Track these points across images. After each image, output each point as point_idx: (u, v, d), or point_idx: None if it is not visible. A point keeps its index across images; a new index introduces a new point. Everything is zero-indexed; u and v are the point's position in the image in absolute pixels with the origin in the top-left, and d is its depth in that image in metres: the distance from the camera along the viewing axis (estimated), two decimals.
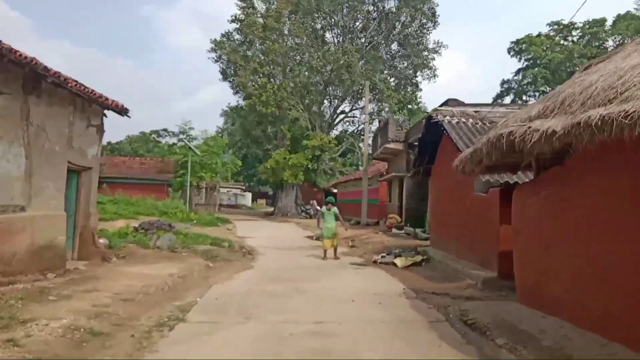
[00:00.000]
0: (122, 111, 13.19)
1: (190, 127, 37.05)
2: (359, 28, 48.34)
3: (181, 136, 36.45)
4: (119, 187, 34.55)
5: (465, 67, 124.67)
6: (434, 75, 47.37)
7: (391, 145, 23.33)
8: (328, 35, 48.60)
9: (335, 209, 16.28)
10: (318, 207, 42.46)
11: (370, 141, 31.38)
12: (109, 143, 78.83)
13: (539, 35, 65.90)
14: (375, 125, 48.95)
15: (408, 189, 22.98)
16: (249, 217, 43.15)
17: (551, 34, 67.12)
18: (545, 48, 63.27)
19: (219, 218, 31.83)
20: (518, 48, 66.71)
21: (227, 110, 79.01)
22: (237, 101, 51.09)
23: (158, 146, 74.21)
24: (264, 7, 45.75)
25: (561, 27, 64.08)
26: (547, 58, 57.71)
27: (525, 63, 63.41)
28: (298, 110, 41.75)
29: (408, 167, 23.13)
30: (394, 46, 49.41)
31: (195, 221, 29.05)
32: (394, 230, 22.83)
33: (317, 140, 41.86)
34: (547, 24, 75.91)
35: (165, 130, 79.87)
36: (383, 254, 15.18)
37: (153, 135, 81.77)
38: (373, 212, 29.94)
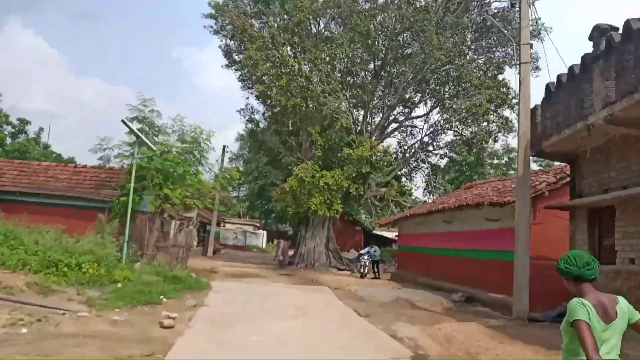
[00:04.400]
0: None
1: (153, 110, 19.54)
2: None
3: (136, 125, 19.12)
4: (26, 208, 17.70)
5: None
6: (536, 68, 29.72)
7: None
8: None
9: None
10: (366, 257, 24.58)
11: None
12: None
13: None
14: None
15: None
16: (254, 268, 25.40)
17: None
18: None
19: (177, 277, 14.38)
20: None
21: (242, 135, 63.07)
22: (247, 97, 34.01)
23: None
24: None
25: None
26: None
27: None
28: (338, 96, 24.36)
29: None
30: (469, 35, 32.08)
31: (120, 284, 11.79)
32: None
33: (365, 149, 24.36)
34: None
35: None
36: None
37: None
38: (495, 278, 12.53)
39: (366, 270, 23.29)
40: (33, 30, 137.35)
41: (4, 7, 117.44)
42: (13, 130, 45.77)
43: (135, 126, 18.28)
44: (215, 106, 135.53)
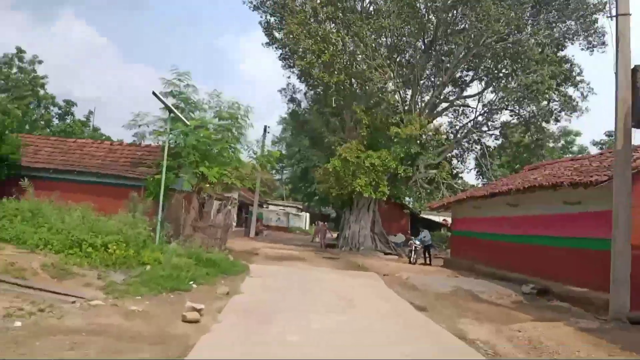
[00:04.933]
0: None
1: (189, 84, 18.17)
2: None
3: (171, 100, 17.88)
4: (59, 186, 16.77)
5: None
6: (602, 43, 26.64)
7: None
8: None
9: None
10: (417, 242, 22.61)
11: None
12: None
13: None
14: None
15: None
16: (296, 250, 23.93)
17: None
18: None
19: (211, 260, 12.83)
20: None
21: (285, 118, 61.45)
22: (289, 77, 32.19)
23: None
24: None
25: None
26: None
27: None
28: (385, 72, 22.31)
29: None
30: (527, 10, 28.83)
31: (148, 267, 10.30)
32: None
33: (414, 128, 22.32)
34: None
35: None
36: None
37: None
38: (575, 269, 10.53)
39: (416, 256, 21.37)
40: (84, 21, 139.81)
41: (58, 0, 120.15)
42: (60, 112, 45.82)
43: (169, 101, 16.94)
44: (259, 94, 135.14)
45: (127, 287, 9.22)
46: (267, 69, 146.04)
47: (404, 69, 26.87)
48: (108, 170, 18.66)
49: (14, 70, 42.50)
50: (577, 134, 47.89)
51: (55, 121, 45.94)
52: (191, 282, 10.17)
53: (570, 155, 39.63)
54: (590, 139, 65.38)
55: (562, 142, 47.57)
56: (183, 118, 15.74)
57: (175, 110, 15.09)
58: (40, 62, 43.93)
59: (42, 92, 44.34)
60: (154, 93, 14.55)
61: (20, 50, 42.64)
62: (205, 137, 17.29)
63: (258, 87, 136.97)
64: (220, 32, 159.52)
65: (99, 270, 10.36)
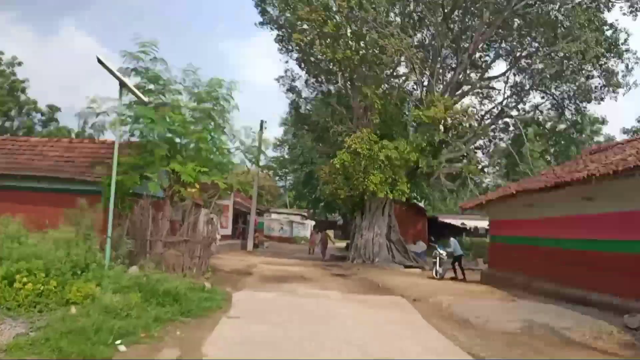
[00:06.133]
0: None
1: (156, 58, 14.11)
2: None
3: (134, 78, 13.92)
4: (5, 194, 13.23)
5: None
6: None
7: None
8: None
9: None
10: (443, 252, 18.27)
11: None
12: None
13: None
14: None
15: None
16: (300, 265, 19.90)
17: None
18: None
19: (170, 294, 8.62)
20: None
21: (285, 118, 56.81)
22: (287, 62, 28.03)
23: None
24: None
25: None
26: None
27: None
28: (400, 44, 18.28)
29: None
30: None
31: (73, 309, 6.50)
32: None
33: (439, 110, 18.26)
34: None
35: None
36: None
37: None
38: None
39: (442, 269, 17.13)
40: (85, 32, 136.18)
41: (59, 12, 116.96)
42: (43, 118, 42.13)
43: (131, 81, 12.96)
44: (263, 101, 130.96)
45: None
46: (270, 76, 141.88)
47: (420, 50, 22.98)
48: (60, 173, 14.69)
49: None
50: (604, 121, 43.57)
51: (38, 128, 42.34)
52: (118, 342, 6.09)
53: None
54: (617, 127, 60.53)
55: (587, 131, 43.24)
56: (139, 94, 11.70)
57: (127, 82, 11.06)
58: (19, 63, 40.37)
59: (23, 97, 40.76)
60: (98, 59, 10.51)
61: None
62: (179, 124, 13.35)
63: (260, 92, 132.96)
64: (220, 37, 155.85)
65: None
